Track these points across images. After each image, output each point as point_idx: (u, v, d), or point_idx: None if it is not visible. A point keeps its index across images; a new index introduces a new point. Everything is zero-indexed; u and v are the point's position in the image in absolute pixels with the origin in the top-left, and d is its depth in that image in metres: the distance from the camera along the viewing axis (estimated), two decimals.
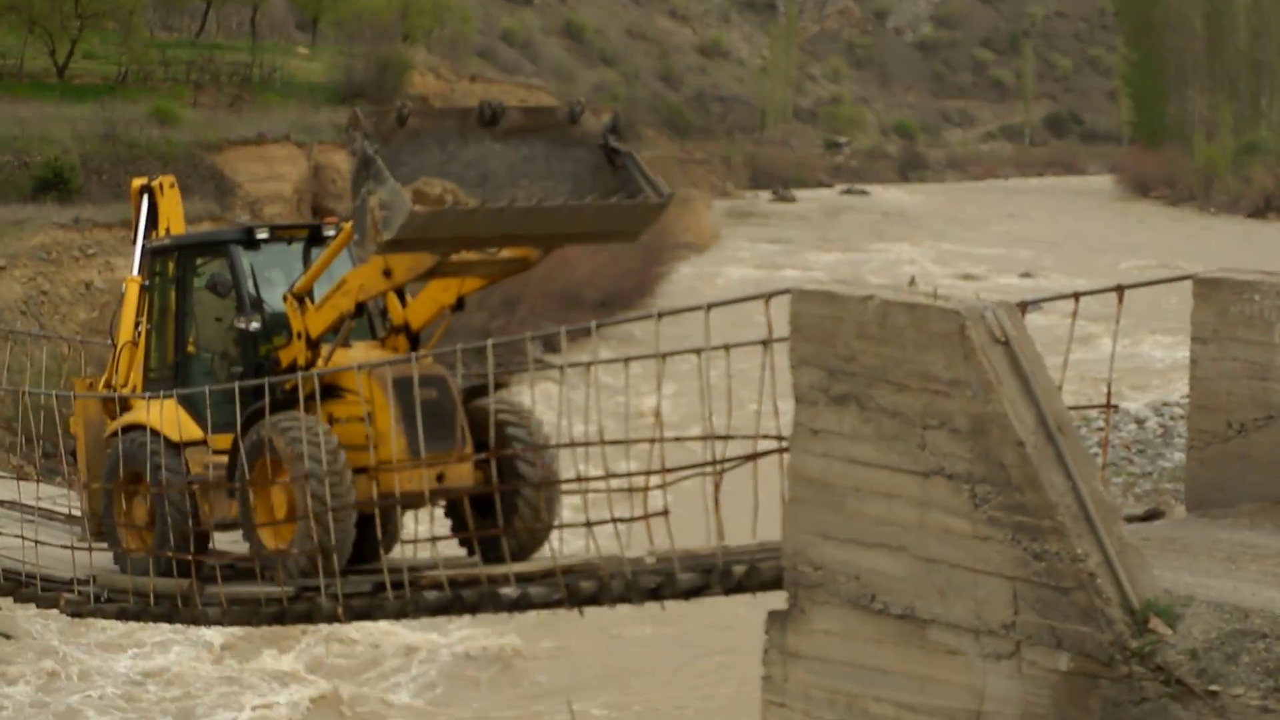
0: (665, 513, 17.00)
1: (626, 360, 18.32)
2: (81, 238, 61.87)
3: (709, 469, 17.30)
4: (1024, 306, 14.82)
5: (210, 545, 19.84)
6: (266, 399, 18.52)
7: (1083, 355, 16.15)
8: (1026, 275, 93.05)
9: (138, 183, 24.39)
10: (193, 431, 19.56)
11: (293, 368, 19.08)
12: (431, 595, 18.41)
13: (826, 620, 14.51)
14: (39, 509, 21.38)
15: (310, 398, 18.29)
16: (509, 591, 17.82)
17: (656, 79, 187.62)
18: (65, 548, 20.98)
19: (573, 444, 18.07)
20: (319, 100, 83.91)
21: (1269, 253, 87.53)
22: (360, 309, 18.93)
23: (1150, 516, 17.28)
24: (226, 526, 19.71)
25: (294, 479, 18.13)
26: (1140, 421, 49.02)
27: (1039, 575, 13.52)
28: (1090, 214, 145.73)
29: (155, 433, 19.46)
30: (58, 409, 22.24)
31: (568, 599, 17.48)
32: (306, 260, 19.94)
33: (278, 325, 19.73)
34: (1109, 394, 17.60)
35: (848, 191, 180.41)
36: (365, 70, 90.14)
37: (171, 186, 23.79)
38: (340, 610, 18.95)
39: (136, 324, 21.85)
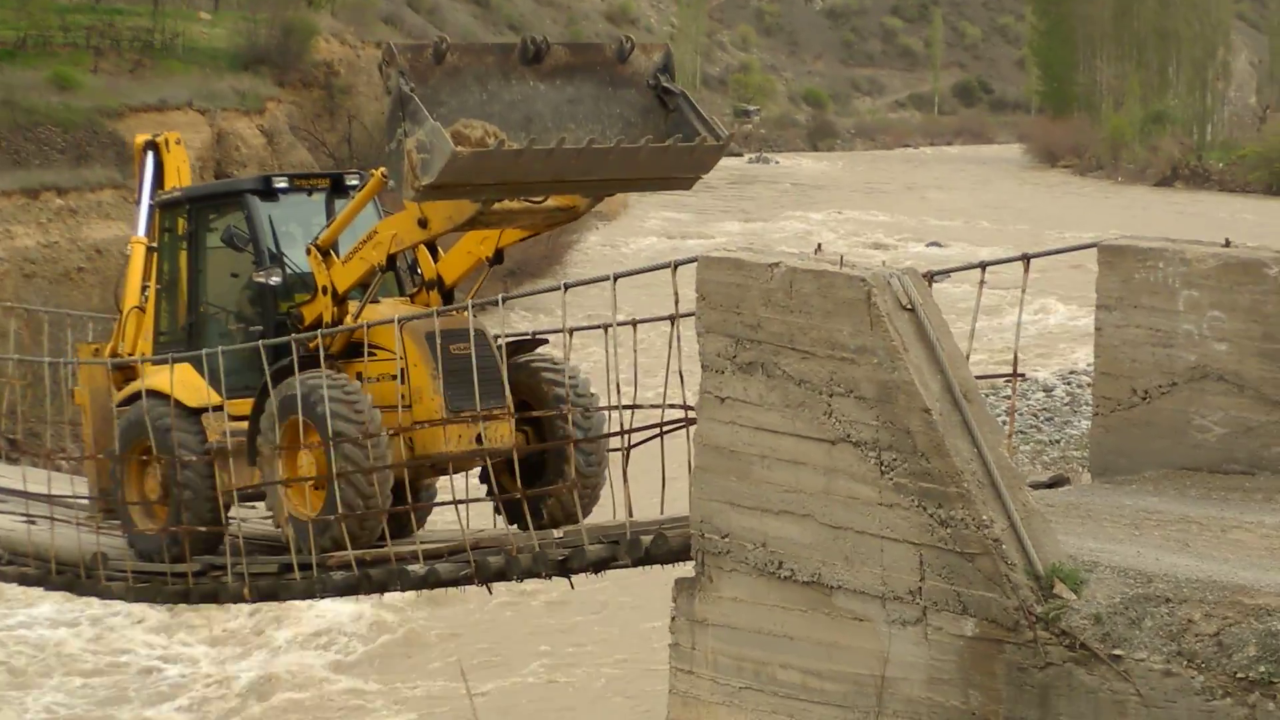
0: (575, 485, 17.03)
1: (534, 335, 18.39)
2: None
3: (617, 441, 17.41)
4: (930, 276, 14.94)
5: (227, 517, 18.97)
6: (320, 354, 17.76)
7: (991, 323, 16.30)
8: (935, 244, 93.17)
9: (141, 139, 23.66)
10: (206, 396, 18.70)
11: (317, 325, 18.30)
12: (339, 575, 18.10)
13: (734, 588, 14.60)
14: None
15: (342, 355, 17.83)
16: (416, 569, 17.62)
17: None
18: None
19: (493, 414, 17.59)
20: (221, 67, 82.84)
21: (1175, 221, 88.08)
22: (392, 262, 18.19)
23: (1056, 483, 17.41)
24: (247, 497, 19.10)
25: (325, 441, 17.25)
26: (1048, 390, 49.19)
27: (945, 541, 13.63)
28: (998, 183, 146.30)
29: (169, 399, 18.60)
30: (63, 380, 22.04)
31: (476, 574, 17.32)
32: (330, 211, 19.38)
33: (298, 281, 19.00)
34: (1015, 362, 17.66)
35: (756, 160, 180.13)
36: (269, 36, 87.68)
37: (177, 143, 23.10)
38: (246, 590, 18.70)
39: (143, 287, 21.20)
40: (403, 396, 17.74)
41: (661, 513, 16.87)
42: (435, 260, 18.66)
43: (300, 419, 17.41)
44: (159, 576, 19.31)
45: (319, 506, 17.66)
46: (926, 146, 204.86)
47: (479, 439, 17.63)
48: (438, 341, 17.73)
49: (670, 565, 15.80)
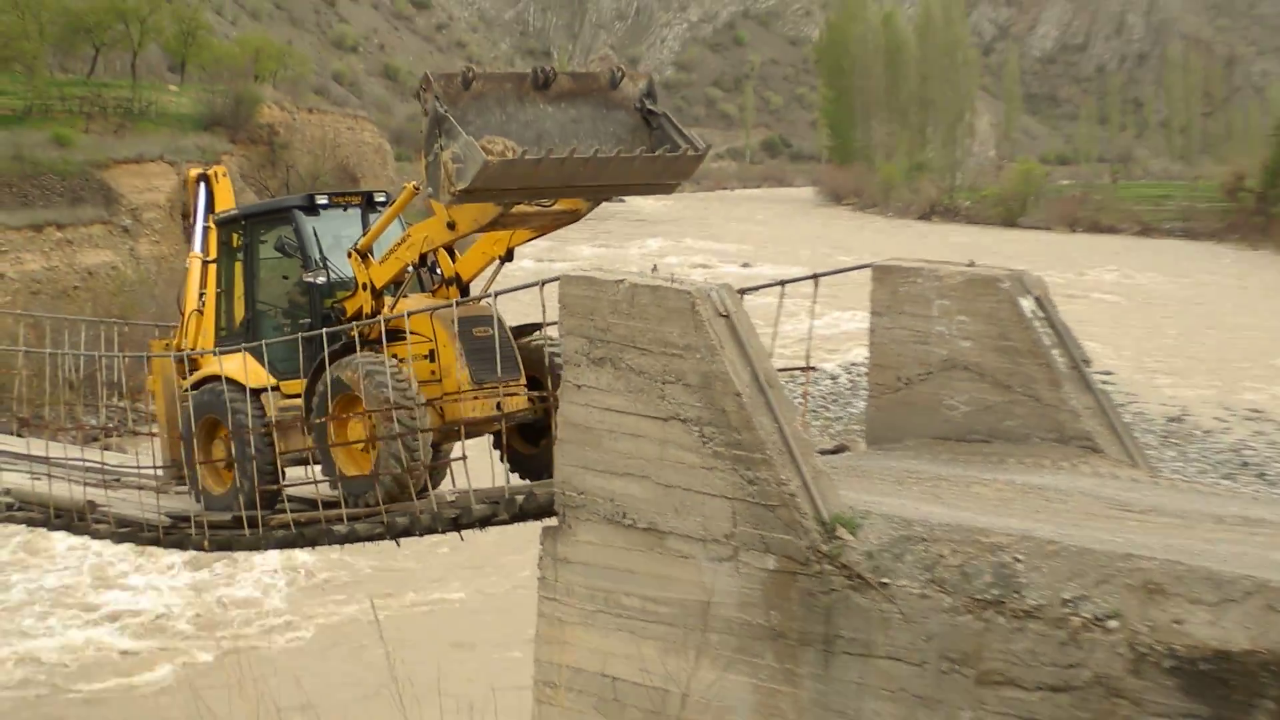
0: (464, 458, 16.90)
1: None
2: None
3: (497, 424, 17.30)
4: (742, 291, 15.01)
5: (283, 480, 18.38)
6: (356, 341, 17.43)
7: (788, 327, 16.29)
8: (746, 265, 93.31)
9: (194, 172, 22.97)
10: (265, 379, 18.22)
11: (357, 316, 17.75)
12: (279, 532, 17.95)
13: (588, 533, 14.61)
14: None
15: (383, 339, 17.14)
16: (340, 528, 17.42)
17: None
18: None
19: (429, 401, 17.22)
20: (186, 128, 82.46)
21: (931, 246, 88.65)
22: (423, 260, 17.70)
23: (838, 450, 17.48)
24: (300, 462, 18.46)
25: (374, 411, 16.79)
26: (834, 378, 49.59)
27: (752, 496, 13.70)
28: (796, 218, 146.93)
29: (232, 382, 18.13)
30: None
31: (386, 531, 17.12)
32: (365, 222, 18.83)
33: (338, 281, 18.31)
34: (808, 357, 17.80)
35: (609, 200, 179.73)
36: (223, 104, 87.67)
37: (224, 175, 22.59)
38: (205, 541, 18.44)
39: (200, 295, 20.60)
40: (433, 373, 17.38)
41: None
42: (454, 260, 18.20)
43: (362, 393, 16.88)
44: (136, 524, 19.04)
45: (368, 467, 17.11)
46: (740, 189, 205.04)
47: (499, 406, 17.19)
48: (455, 326, 17.41)
49: (540, 519, 15.73)
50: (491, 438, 17.83)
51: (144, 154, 73.53)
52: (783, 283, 17.25)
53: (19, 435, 24.85)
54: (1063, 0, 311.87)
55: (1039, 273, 17.13)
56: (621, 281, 14.49)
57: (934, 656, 12.81)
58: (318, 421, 17.51)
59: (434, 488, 17.48)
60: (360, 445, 17.20)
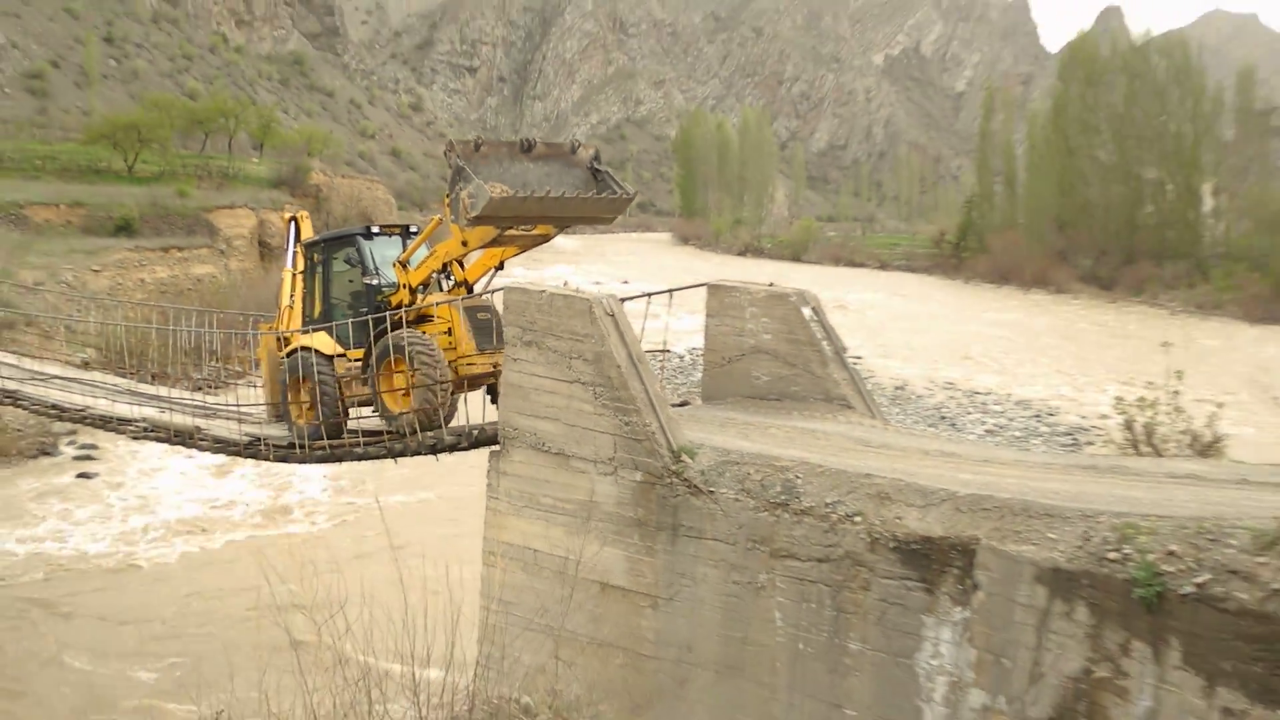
0: (440, 408, 16.76)
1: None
2: (139, 256, 60.41)
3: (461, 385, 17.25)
4: (622, 299, 15.04)
5: (348, 418, 18.13)
6: (404, 320, 17.19)
7: (653, 324, 16.29)
8: (625, 282, 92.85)
9: (288, 215, 22.46)
10: (335, 348, 17.98)
11: (399, 307, 17.49)
12: (318, 453, 17.75)
13: (520, 455, 14.59)
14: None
15: (417, 320, 17.19)
16: (357, 450, 17.26)
17: (438, 178, 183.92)
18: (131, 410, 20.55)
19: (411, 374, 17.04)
20: (262, 186, 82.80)
21: (746, 272, 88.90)
22: (444, 268, 17.43)
23: (683, 404, 17.46)
24: (362, 403, 18.14)
25: (416, 367, 16.54)
26: (681, 358, 49.66)
27: (627, 433, 13.74)
28: (658, 253, 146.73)
29: (314, 350, 17.91)
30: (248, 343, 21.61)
31: (389, 454, 17.02)
32: (404, 244, 18.55)
33: (386, 283, 18.05)
34: (665, 343, 17.94)
35: (569, 229, 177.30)
36: (286, 171, 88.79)
37: (306, 217, 22.03)
38: (271, 455, 18.21)
39: (290, 295, 20.30)
40: (450, 344, 17.25)
41: (484, 419, 16.79)
42: (463, 269, 17.84)
43: (406, 355, 16.65)
44: (230, 440, 18.85)
45: (407, 405, 16.82)
46: (622, 233, 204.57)
47: (495, 365, 16.97)
48: (464, 313, 17.36)
49: (489, 447, 15.68)
50: (487, 387, 17.73)
51: (234, 202, 73.92)
52: (649, 294, 17.28)
53: (151, 383, 25.08)
54: (831, 116, 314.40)
55: (815, 291, 17.26)
56: (544, 291, 14.50)
57: (743, 538, 12.94)
58: (374, 375, 17.30)
59: (447, 424, 17.30)
60: (402, 391, 16.91)
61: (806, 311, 16.63)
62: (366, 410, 18.33)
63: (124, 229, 63.94)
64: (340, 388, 17.91)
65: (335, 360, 17.98)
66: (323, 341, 18.17)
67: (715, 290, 17.23)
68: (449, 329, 17.42)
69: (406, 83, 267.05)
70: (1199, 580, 9.99)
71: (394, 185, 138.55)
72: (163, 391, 22.62)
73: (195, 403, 21.60)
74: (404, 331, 16.92)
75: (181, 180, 77.40)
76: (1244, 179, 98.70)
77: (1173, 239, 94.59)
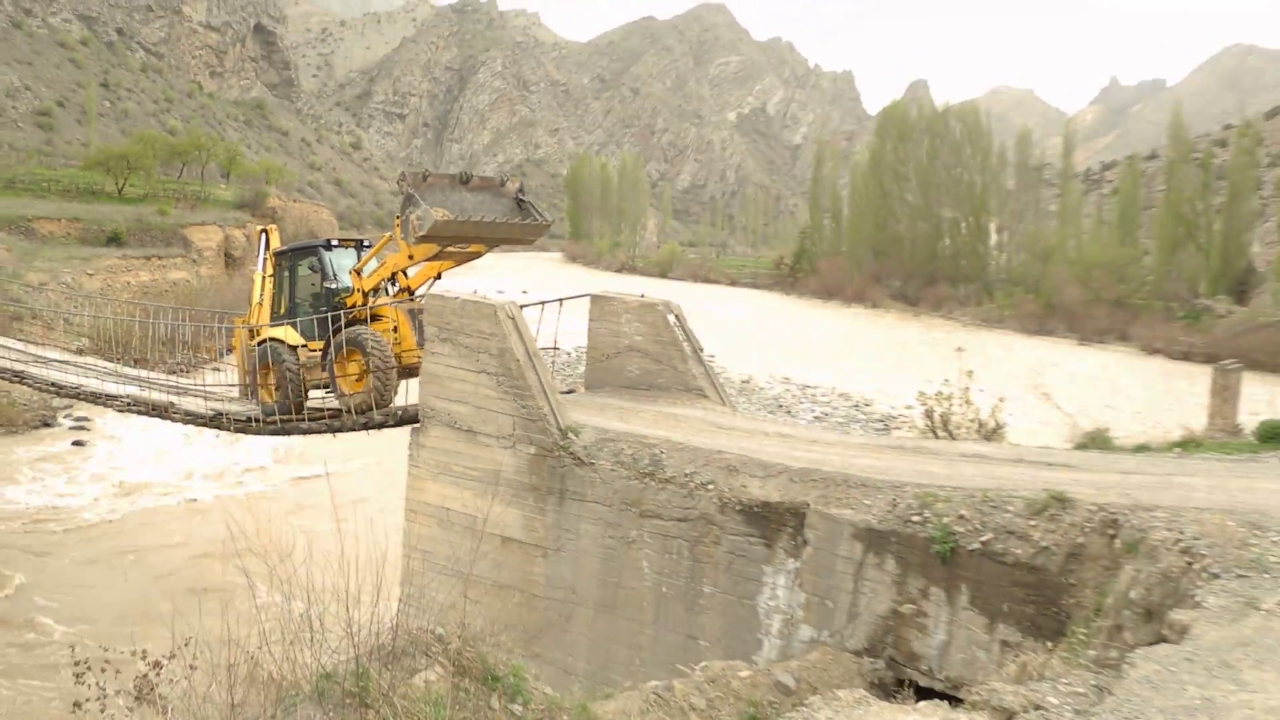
0: (387, 390, 16.30)
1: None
2: (125, 263, 59.46)
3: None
4: (522, 305, 14.78)
5: (307, 398, 17.56)
6: (366, 318, 16.75)
7: (547, 326, 16.07)
8: (525, 292, 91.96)
9: (259, 229, 21.40)
10: (299, 340, 17.42)
11: (352, 307, 17.05)
12: (270, 427, 17.11)
13: (437, 431, 14.27)
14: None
15: (369, 320, 16.65)
16: (304, 425, 16.71)
17: (372, 204, 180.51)
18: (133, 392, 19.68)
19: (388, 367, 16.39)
20: (228, 208, 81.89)
21: (623, 285, 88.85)
22: (392, 278, 17.01)
23: (570, 391, 17.34)
24: (319, 388, 17.61)
25: (367, 357, 16.04)
26: (569, 354, 49.32)
27: (524, 414, 13.50)
28: (552, 269, 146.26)
29: (281, 342, 17.41)
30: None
31: (329, 429, 16.60)
32: (359, 255, 18.04)
33: (343, 289, 17.48)
34: (555, 341, 17.68)
35: (496, 248, 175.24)
36: (248, 195, 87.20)
37: (275, 231, 21.04)
38: (231, 427, 17.69)
39: (260, 294, 19.59)
40: (396, 340, 16.86)
41: (406, 401, 16.38)
42: (407, 278, 17.34)
43: (361, 347, 16.19)
44: (198, 414, 18.12)
45: (359, 389, 16.32)
46: (522, 252, 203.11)
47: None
48: (408, 314, 16.97)
49: (411, 425, 15.29)
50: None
51: (205, 220, 72.86)
52: (543, 302, 17.09)
53: (134, 367, 24.56)
54: (693, 161, 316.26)
55: (678, 301, 17.17)
56: (457, 297, 14.21)
57: (617, 502, 12.77)
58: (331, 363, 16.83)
59: (388, 405, 16.93)
60: (355, 376, 16.45)
61: (671, 318, 16.54)
62: (322, 392, 17.89)
63: (114, 240, 63.12)
64: (302, 373, 17.53)
65: (299, 350, 17.58)
66: (288, 334, 17.75)
67: (597, 300, 17.04)
68: (395, 327, 17.10)
69: (348, 125, 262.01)
70: (984, 539, 10.06)
71: (336, 209, 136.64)
72: (143, 373, 22.23)
73: (170, 383, 21.09)
74: (361, 328, 16.55)
75: (162, 201, 76.39)
76: (1021, 220, 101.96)
77: (965, 266, 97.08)
